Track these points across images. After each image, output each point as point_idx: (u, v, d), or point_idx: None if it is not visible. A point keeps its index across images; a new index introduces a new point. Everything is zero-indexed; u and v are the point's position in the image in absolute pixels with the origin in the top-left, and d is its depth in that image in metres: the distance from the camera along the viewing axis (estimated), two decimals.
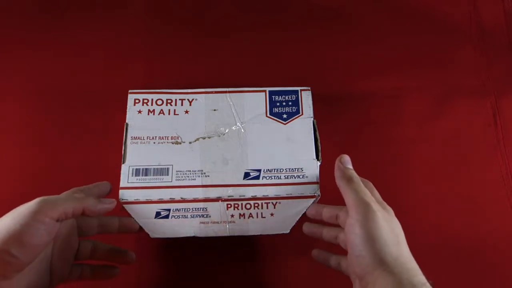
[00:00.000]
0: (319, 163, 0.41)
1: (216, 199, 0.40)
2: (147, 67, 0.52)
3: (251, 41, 0.54)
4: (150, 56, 0.53)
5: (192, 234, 0.39)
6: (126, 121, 0.42)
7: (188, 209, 0.39)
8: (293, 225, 0.39)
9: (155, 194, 0.39)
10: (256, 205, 0.40)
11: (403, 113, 0.52)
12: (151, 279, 0.44)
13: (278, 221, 0.40)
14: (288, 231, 0.39)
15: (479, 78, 0.54)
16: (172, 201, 0.39)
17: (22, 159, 0.47)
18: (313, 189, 0.40)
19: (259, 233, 0.39)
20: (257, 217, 0.40)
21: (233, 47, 0.54)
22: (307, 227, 0.40)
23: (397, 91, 0.53)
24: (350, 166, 0.35)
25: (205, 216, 0.39)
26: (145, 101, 0.43)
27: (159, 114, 0.43)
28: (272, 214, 0.40)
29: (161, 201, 0.39)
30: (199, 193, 0.40)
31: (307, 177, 0.41)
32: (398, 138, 0.50)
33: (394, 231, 0.30)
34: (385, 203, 0.33)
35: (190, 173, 0.40)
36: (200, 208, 0.40)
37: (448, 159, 0.50)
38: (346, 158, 0.35)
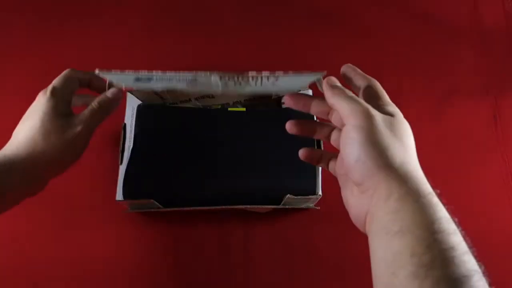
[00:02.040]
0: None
1: (208, 76, 0.33)
2: (147, 67, 0.52)
3: (251, 41, 0.54)
4: (150, 56, 0.53)
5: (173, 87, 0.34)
6: (124, 121, 0.42)
7: (174, 76, 0.34)
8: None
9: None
10: (254, 78, 0.33)
11: (403, 113, 0.51)
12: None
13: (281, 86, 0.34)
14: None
15: (479, 79, 0.54)
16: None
17: None
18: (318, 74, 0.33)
19: (261, 90, 0.34)
20: (255, 84, 0.33)
21: (233, 47, 0.54)
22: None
23: (397, 91, 0.53)
24: (339, 85, 0.32)
25: (193, 82, 0.34)
26: None
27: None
28: (273, 84, 0.34)
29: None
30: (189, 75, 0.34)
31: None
32: None
33: (398, 136, 0.29)
34: (393, 105, 0.31)
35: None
36: (189, 79, 0.34)
37: (448, 159, 0.50)
38: (333, 78, 0.32)
